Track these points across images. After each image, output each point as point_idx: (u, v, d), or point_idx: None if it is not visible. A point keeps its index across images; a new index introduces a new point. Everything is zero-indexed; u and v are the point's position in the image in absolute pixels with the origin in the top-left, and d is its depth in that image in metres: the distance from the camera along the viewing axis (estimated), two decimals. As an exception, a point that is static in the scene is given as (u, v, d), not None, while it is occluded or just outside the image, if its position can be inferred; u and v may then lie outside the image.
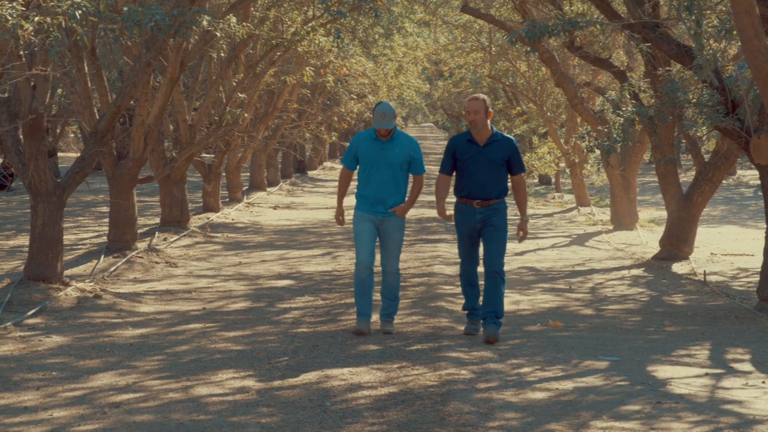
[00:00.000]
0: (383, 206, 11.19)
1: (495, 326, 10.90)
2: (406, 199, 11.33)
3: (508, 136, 11.20)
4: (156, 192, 28.76)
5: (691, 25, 12.84)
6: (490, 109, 11.04)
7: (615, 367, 9.79)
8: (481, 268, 11.18)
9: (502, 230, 11.03)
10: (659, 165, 17.85)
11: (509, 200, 11.29)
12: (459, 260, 11.43)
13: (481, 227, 11.05)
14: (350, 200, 12.44)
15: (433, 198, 30.02)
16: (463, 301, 11.56)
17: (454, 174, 11.16)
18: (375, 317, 11.75)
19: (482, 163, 10.95)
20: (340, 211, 11.58)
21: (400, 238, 11.34)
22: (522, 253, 19.01)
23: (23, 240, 18.79)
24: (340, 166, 11.68)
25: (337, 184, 11.59)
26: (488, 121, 11.00)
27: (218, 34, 13.97)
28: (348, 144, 12.15)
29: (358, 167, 11.39)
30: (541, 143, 33.08)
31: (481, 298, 11.22)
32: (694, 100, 14.20)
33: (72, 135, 47.94)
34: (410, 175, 11.42)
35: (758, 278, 13.52)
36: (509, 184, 11.17)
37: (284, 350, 10.54)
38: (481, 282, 11.21)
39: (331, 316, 12.44)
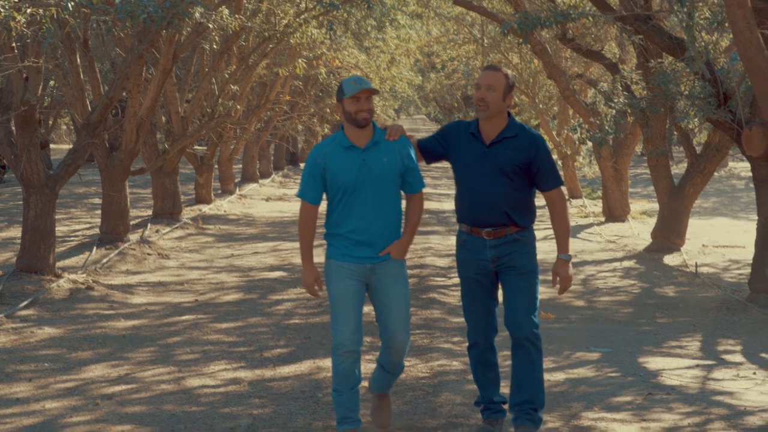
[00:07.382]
0: (372, 249, 7.18)
1: (533, 425, 7.27)
2: (402, 232, 7.26)
3: (533, 130, 7.32)
4: (148, 184, 28.73)
5: (683, 17, 12.86)
6: (512, 92, 7.25)
7: (606, 359, 9.81)
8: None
9: (530, 273, 7.25)
10: (651, 157, 17.89)
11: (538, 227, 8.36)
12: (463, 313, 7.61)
13: (496, 271, 7.31)
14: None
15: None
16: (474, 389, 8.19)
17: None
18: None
19: (486, 172, 7.19)
20: (312, 274, 7.35)
21: (406, 294, 7.25)
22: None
23: (15, 232, 18.77)
24: None
25: (298, 230, 7.65)
26: (506, 110, 7.25)
27: (211, 26, 13.97)
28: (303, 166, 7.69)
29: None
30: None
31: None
32: (686, 92, 14.22)
33: (64, 127, 47.86)
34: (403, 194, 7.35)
35: (749, 270, 13.55)
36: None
37: (276, 342, 10.55)
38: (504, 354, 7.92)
39: (324, 308, 12.44)
